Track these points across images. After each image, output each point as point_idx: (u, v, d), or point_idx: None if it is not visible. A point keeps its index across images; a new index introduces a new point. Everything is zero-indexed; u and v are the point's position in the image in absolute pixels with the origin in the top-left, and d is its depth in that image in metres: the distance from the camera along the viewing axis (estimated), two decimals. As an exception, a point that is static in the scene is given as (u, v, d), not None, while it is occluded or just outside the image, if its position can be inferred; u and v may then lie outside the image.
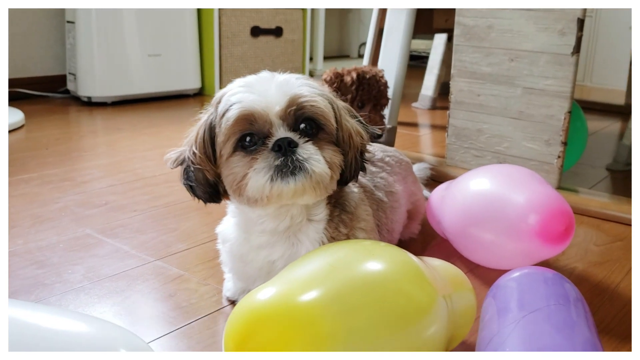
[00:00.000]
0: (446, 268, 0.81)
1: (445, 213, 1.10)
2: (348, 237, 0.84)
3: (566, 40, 1.38)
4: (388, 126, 1.89)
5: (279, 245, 0.83)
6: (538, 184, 1.00)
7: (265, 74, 0.80)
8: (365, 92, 1.58)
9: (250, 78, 0.79)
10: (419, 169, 1.51)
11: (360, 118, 0.87)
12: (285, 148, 0.73)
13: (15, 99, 2.44)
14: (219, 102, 0.79)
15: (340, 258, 0.66)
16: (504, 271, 1.05)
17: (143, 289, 0.97)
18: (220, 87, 2.78)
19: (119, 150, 1.82)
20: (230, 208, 0.89)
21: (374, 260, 0.67)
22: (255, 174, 0.74)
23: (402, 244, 1.16)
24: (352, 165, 0.82)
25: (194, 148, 0.80)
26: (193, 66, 2.71)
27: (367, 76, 1.59)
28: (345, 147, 0.81)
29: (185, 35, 2.64)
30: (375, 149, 1.11)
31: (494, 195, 1.02)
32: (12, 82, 2.45)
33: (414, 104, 2.73)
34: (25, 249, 1.10)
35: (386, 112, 1.88)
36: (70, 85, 2.53)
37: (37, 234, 1.17)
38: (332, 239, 0.83)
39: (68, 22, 2.45)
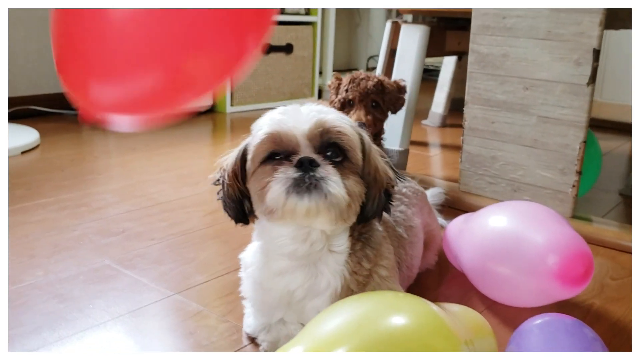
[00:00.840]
0: (466, 314, 0.81)
1: (463, 248, 1.11)
2: (370, 273, 0.85)
3: (582, 70, 1.38)
4: (400, 149, 1.90)
5: (298, 273, 0.84)
6: (557, 223, 1.01)
7: (302, 105, 0.84)
8: (353, 91, 1.61)
9: (288, 107, 0.83)
10: (433, 195, 1.51)
11: (389, 160, 0.88)
12: (306, 165, 0.75)
13: (29, 117, 2.46)
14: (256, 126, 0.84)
15: (364, 313, 0.66)
16: (521, 309, 1.06)
17: (163, 326, 0.98)
18: (232, 104, 2.80)
19: (132, 172, 1.83)
20: (255, 232, 0.90)
21: (398, 314, 0.67)
22: (275, 183, 0.76)
23: (419, 275, 1.17)
24: (375, 202, 0.83)
25: (226, 165, 0.85)
26: (205, 83, 2.72)
27: (361, 77, 1.62)
28: (369, 180, 0.82)
29: (197, 53, 2.66)
30: None
31: (513, 234, 1.02)
32: (27, 100, 2.48)
33: (423, 122, 2.74)
34: (46, 281, 1.11)
35: (398, 133, 1.89)
36: (83, 103, 2.54)
37: (57, 265, 1.18)
38: (354, 273, 0.84)
39: (82, 40, 2.47)
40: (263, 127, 0.80)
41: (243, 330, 0.97)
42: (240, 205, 0.84)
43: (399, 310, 0.68)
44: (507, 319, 1.04)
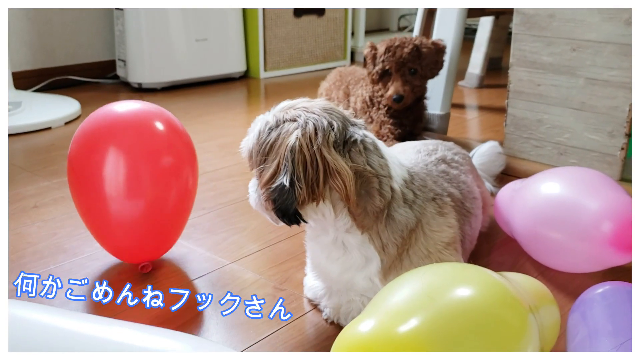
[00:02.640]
0: (527, 282, 0.82)
1: (515, 214, 1.11)
2: (400, 255, 0.86)
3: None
4: (441, 113, 1.88)
5: (329, 244, 0.88)
6: (612, 190, 1.00)
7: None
8: (390, 61, 1.63)
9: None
10: (493, 150, 1.49)
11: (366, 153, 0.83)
12: None
13: (67, 86, 2.50)
14: None
15: (432, 285, 0.67)
16: (573, 275, 1.07)
17: (223, 295, 1.01)
18: (265, 69, 2.80)
19: (175, 141, 1.85)
20: None
21: (465, 285, 0.68)
22: None
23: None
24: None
25: None
26: (238, 49, 2.72)
27: (397, 44, 1.62)
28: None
29: (230, 19, 2.65)
30: (438, 147, 1.08)
31: (567, 199, 1.02)
32: (64, 70, 2.51)
33: (460, 83, 2.70)
34: (104, 253, 1.14)
35: (439, 97, 1.87)
36: (120, 71, 2.57)
37: (114, 236, 1.21)
38: (383, 253, 0.86)
39: (116, 9, 2.48)
40: None
41: (304, 295, 0.99)
42: None
43: (465, 281, 0.69)
44: (560, 285, 1.05)
